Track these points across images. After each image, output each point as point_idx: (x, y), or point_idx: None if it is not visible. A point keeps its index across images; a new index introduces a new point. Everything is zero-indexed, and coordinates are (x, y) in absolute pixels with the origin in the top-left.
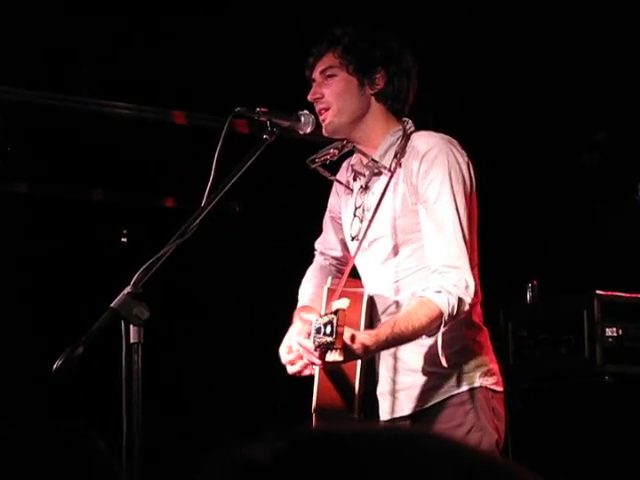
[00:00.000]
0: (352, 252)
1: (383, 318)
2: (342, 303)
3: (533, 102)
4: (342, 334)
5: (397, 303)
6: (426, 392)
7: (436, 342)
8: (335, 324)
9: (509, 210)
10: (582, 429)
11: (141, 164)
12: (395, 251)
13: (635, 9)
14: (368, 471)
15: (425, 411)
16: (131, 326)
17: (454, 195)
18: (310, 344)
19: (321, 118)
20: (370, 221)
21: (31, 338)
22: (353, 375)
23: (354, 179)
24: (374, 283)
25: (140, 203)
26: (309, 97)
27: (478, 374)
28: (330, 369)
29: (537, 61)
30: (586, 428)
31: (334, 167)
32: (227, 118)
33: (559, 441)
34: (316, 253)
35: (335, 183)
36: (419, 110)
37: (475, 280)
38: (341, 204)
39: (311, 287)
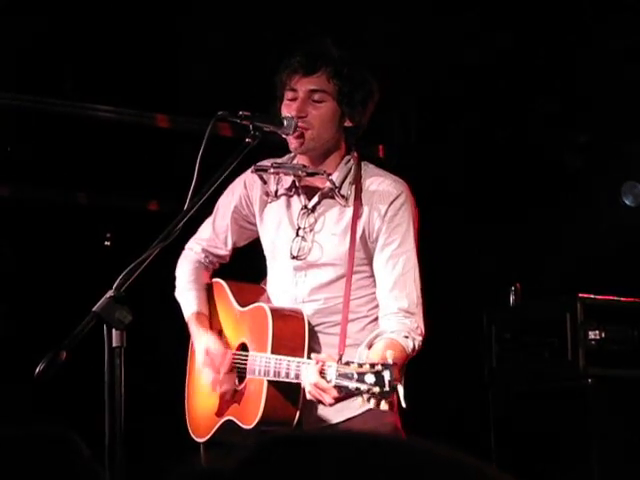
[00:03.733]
0: (286, 269)
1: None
2: (389, 355)
3: (517, 103)
4: (395, 389)
5: (324, 324)
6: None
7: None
8: (389, 378)
9: (492, 213)
10: (565, 432)
11: (124, 167)
12: (341, 278)
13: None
14: (333, 470)
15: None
16: (113, 330)
17: (414, 244)
18: (328, 386)
19: (296, 134)
20: (312, 244)
21: (13, 341)
22: (297, 393)
23: (289, 191)
24: (295, 301)
25: (123, 206)
26: (294, 113)
27: None
28: (274, 392)
29: (521, 63)
30: (569, 431)
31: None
32: (210, 121)
33: (542, 444)
34: (191, 250)
35: (247, 186)
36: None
37: None
38: (255, 209)
39: (196, 291)
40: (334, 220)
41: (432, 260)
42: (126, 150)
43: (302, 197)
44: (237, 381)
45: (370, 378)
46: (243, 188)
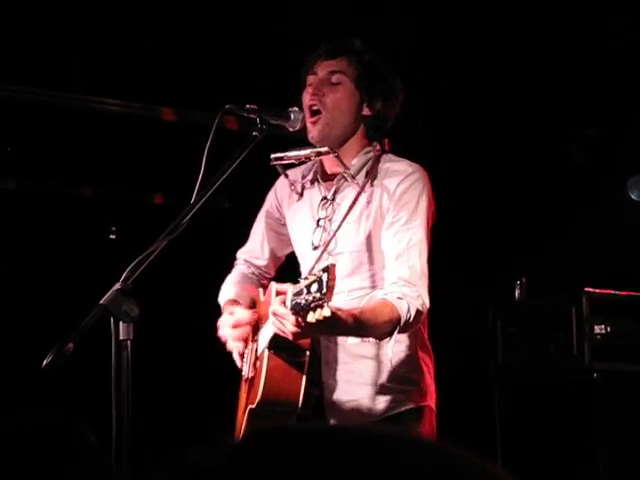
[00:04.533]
0: (309, 261)
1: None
2: (331, 260)
3: (523, 100)
4: (333, 287)
5: None
6: (376, 405)
7: (391, 358)
8: (326, 279)
9: (497, 209)
10: (570, 426)
11: (130, 161)
12: (361, 267)
13: (620, 9)
14: (322, 465)
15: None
16: (120, 322)
17: (425, 223)
18: (285, 310)
19: (311, 120)
20: (335, 233)
21: (20, 334)
22: (300, 370)
23: (310, 184)
24: None
25: (129, 199)
26: (310, 88)
27: (428, 393)
28: (276, 365)
29: (527, 60)
30: (574, 425)
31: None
32: (217, 115)
33: (548, 438)
34: (238, 262)
35: (277, 190)
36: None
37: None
38: (284, 210)
39: (236, 289)
40: (349, 207)
41: (438, 254)
42: (132, 143)
43: (322, 188)
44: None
45: (314, 286)
46: (273, 192)
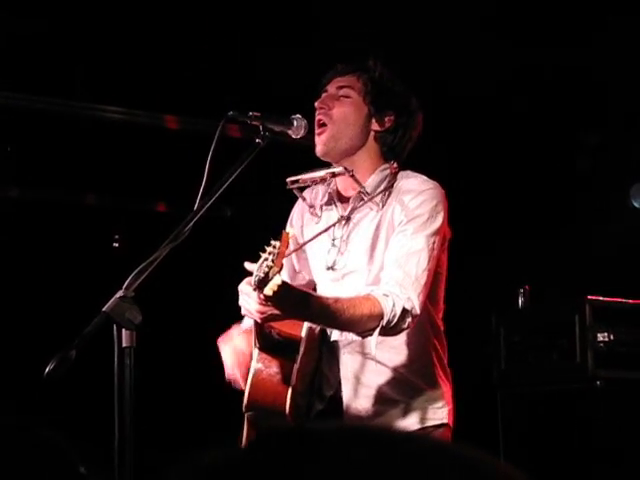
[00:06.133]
0: (324, 282)
1: (347, 350)
2: (287, 229)
3: (527, 108)
4: (283, 253)
5: None
6: (397, 422)
7: (406, 370)
8: (278, 247)
9: (501, 216)
10: (573, 433)
11: (133, 168)
12: (370, 285)
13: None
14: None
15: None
16: (123, 330)
17: (430, 236)
18: (248, 287)
19: (317, 132)
20: (345, 253)
21: (23, 341)
22: (289, 373)
23: (327, 205)
24: None
25: (132, 207)
26: (317, 103)
27: (446, 410)
28: (263, 366)
29: (527, 65)
30: (577, 432)
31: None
32: (220, 122)
33: (551, 446)
34: None
35: (293, 219)
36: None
37: (440, 327)
38: (300, 231)
39: None
40: (366, 227)
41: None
42: (135, 151)
43: (339, 208)
44: None
45: (270, 258)
46: (293, 217)
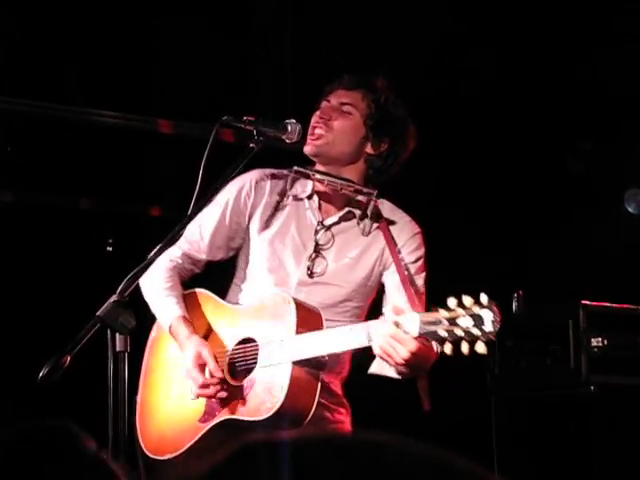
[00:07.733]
0: (280, 281)
1: None
2: (483, 299)
3: (520, 112)
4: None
5: None
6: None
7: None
8: (492, 318)
9: (495, 220)
10: (568, 439)
11: (127, 173)
12: (344, 302)
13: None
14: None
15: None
16: (117, 334)
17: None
18: (405, 335)
19: (312, 137)
20: (326, 262)
21: (16, 346)
22: (315, 386)
23: (299, 200)
24: None
25: (126, 212)
26: (318, 112)
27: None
28: (297, 379)
29: (522, 68)
30: (572, 438)
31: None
32: (214, 127)
33: (544, 451)
34: (171, 253)
35: (253, 182)
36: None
37: None
38: (255, 209)
39: (176, 297)
40: (350, 244)
41: (434, 266)
42: (129, 155)
43: (316, 212)
44: (230, 377)
45: (466, 321)
46: (248, 183)
